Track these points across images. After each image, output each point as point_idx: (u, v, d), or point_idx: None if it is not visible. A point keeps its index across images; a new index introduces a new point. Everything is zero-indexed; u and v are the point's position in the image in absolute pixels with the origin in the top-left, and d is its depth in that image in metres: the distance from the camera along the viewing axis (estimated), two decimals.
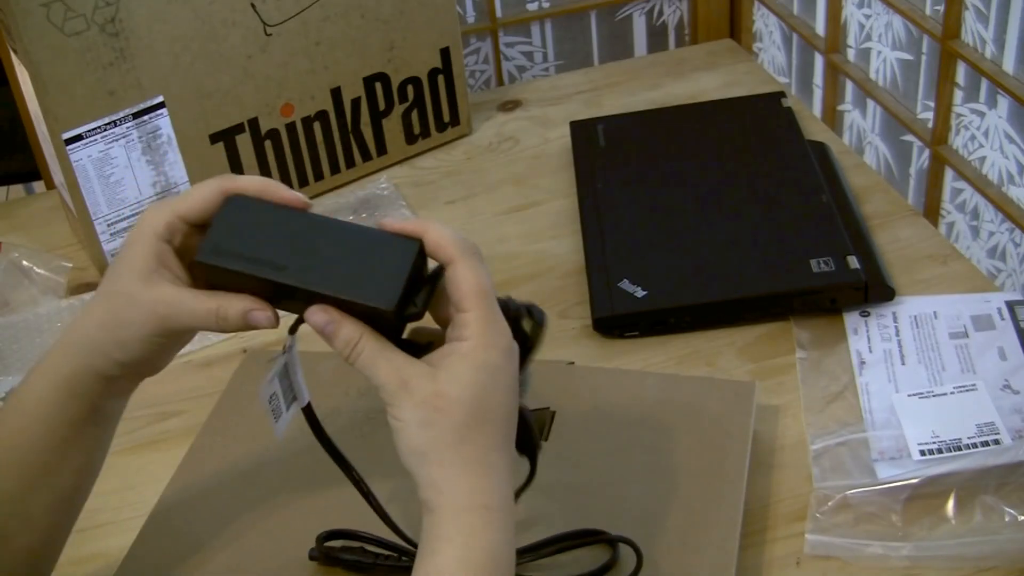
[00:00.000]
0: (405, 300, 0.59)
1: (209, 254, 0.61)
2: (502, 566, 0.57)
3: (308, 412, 0.67)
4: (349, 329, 0.59)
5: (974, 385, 0.88)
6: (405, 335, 0.62)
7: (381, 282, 0.59)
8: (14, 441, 0.65)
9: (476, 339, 0.58)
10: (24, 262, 1.11)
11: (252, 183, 0.62)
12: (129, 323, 0.62)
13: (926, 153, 1.21)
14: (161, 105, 1.07)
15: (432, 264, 0.61)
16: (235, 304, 0.61)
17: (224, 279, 0.61)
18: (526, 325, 0.63)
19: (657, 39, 1.53)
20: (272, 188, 0.62)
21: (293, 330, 0.64)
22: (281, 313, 0.63)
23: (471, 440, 0.57)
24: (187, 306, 0.61)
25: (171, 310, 0.62)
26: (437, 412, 0.57)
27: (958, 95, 1.15)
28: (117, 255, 0.64)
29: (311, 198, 1.25)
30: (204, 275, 0.62)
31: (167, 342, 0.64)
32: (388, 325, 0.60)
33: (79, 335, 0.64)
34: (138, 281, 0.62)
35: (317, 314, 0.60)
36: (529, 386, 0.64)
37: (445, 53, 1.23)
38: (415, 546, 0.71)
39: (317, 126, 1.19)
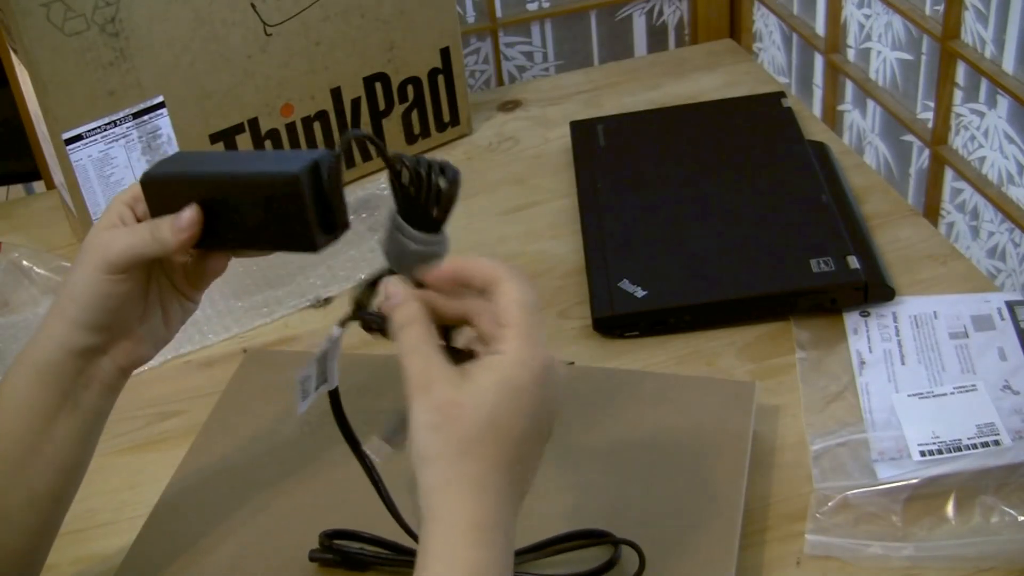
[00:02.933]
0: (315, 174, 0.63)
1: (145, 177, 0.68)
2: None
3: (334, 395, 0.68)
4: (410, 309, 0.60)
5: (974, 385, 0.88)
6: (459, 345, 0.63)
7: (291, 164, 0.63)
8: None
9: (509, 355, 0.57)
10: (24, 262, 1.11)
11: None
12: (76, 276, 0.66)
13: (926, 153, 1.21)
14: (161, 105, 1.07)
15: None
16: (164, 219, 0.65)
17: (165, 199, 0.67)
18: (440, 182, 0.63)
19: (657, 39, 1.53)
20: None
21: (343, 323, 0.65)
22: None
23: (474, 455, 0.56)
24: (122, 235, 0.66)
25: (109, 244, 0.65)
26: (448, 419, 0.56)
27: (958, 95, 1.15)
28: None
29: None
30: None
31: (121, 289, 0.66)
32: (300, 208, 0.62)
33: (49, 325, 0.67)
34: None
35: (392, 285, 0.61)
36: (446, 250, 0.65)
37: (445, 53, 1.23)
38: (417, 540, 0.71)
39: (317, 126, 1.19)
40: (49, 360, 0.66)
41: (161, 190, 0.67)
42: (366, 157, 1.24)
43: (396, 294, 0.60)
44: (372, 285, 0.65)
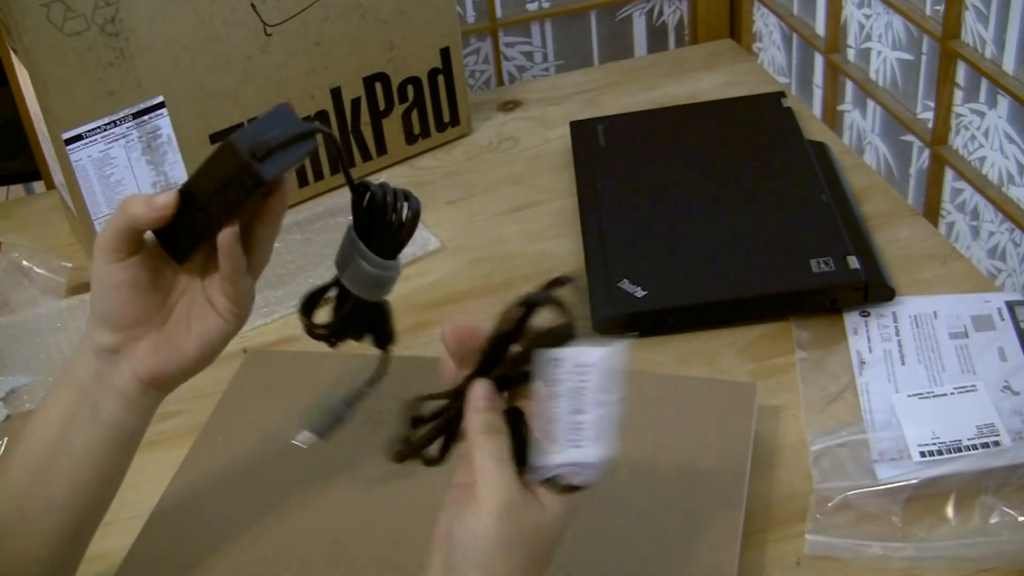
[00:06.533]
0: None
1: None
2: None
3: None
4: (495, 419, 0.59)
5: (974, 386, 0.88)
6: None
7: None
8: (25, 442, 0.67)
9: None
10: (24, 262, 1.11)
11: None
12: (91, 277, 0.66)
13: (926, 153, 1.21)
14: (161, 105, 1.07)
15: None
16: (140, 195, 0.65)
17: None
18: (405, 210, 0.66)
19: (657, 39, 1.53)
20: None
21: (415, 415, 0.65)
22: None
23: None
24: (106, 222, 0.65)
25: (99, 235, 0.65)
26: (525, 542, 0.58)
27: (958, 95, 1.15)
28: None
29: (310, 199, 1.26)
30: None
31: (122, 278, 0.65)
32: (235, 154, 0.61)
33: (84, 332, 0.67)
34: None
35: (480, 387, 0.59)
36: (398, 276, 0.68)
37: (445, 53, 1.23)
38: None
39: None
40: (72, 362, 0.67)
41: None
42: (366, 157, 1.23)
43: (483, 398, 0.59)
44: (318, 294, 0.69)
